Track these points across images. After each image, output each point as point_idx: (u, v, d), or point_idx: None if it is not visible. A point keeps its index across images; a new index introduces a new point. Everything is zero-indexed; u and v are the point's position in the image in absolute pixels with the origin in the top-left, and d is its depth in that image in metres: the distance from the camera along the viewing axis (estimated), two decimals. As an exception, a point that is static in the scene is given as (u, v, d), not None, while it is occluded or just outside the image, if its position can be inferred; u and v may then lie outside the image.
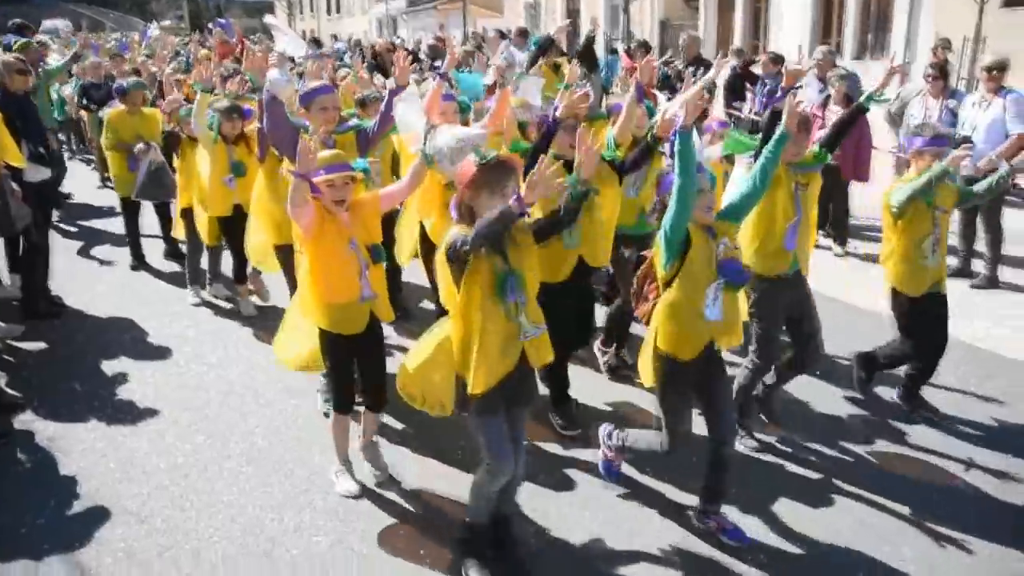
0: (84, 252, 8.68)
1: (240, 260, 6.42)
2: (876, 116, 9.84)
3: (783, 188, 4.30)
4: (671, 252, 3.53)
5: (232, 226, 6.18)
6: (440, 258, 3.23)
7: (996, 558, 3.67)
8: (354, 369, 4.06)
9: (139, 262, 7.98)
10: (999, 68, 6.92)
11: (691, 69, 7.84)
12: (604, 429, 4.20)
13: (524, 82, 5.64)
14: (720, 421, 3.70)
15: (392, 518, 3.95)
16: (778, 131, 3.84)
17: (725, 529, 3.76)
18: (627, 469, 4.30)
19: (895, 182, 4.82)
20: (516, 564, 3.61)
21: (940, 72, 8.04)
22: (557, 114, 4.29)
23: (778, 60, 9.11)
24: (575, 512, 3.99)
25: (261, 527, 3.86)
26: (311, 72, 7.16)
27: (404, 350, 5.36)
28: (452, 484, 4.14)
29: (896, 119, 10.54)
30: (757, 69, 10.22)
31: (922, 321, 4.77)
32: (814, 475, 4.32)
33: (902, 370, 5.04)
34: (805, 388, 5.15)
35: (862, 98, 4.52)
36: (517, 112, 5.38)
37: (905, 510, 3.99)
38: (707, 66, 10.04)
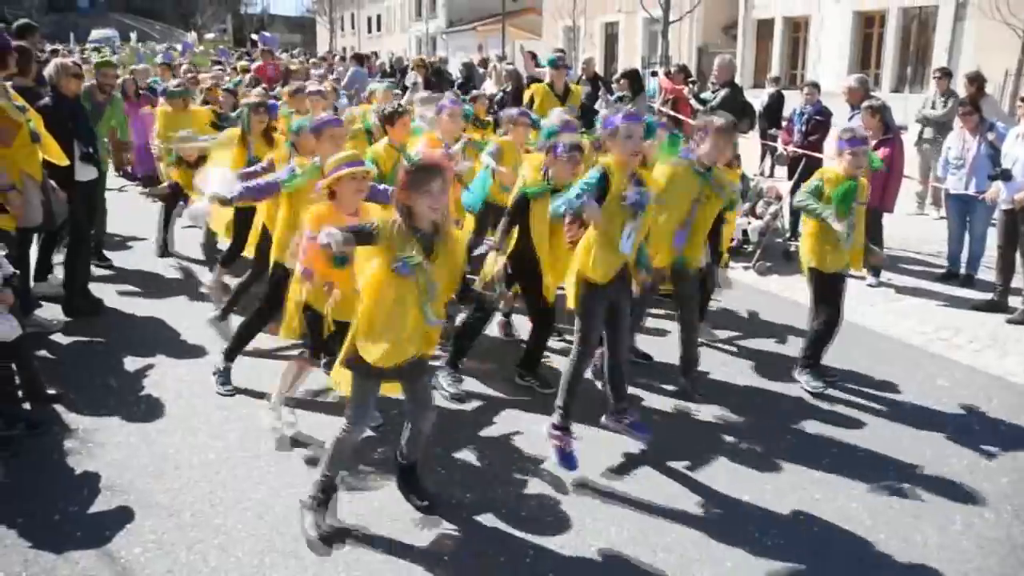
0: (123, 253, 8.88)
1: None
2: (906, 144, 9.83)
3: (686, 198, 4.95)
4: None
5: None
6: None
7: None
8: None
9: (164, 251, 8.62)
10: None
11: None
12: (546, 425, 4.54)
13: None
14: (617, 340, 4.56)
15: (417, 524, 3.99)
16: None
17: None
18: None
19: (814, 177, 5.39)
20: (421, 499, 4.07)
21: (973, 106, 8.03)
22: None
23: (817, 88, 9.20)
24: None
25: (288, 526, 3.91)
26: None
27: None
28: (478, 498, 4.21)
29: (926, 151, 10.53)
30: (797, 98, 10.27)
31: (829, 294, 5.33)
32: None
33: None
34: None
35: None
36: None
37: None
38: (739, 91, 10.14)
